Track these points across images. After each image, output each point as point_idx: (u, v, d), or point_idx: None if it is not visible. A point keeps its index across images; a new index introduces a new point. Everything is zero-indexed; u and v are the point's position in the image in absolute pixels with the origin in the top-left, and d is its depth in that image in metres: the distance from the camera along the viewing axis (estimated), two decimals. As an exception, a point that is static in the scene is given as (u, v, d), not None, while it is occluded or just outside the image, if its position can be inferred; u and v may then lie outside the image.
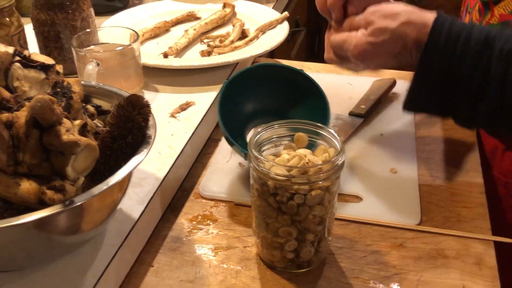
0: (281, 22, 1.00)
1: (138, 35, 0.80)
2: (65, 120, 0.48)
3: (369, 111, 0.87)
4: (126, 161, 0.51)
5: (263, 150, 0.60)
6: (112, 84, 0.79)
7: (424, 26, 0.61)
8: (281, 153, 0.59)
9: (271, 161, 0.55)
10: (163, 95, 0.84)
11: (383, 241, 0.64)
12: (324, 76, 1.00)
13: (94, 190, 0.47)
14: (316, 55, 1.87)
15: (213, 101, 0.82)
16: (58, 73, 0.59)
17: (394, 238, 0.65)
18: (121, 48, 0.77)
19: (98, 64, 0.75)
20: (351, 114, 0.86)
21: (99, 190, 0.47)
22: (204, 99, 0.83)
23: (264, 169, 0.55)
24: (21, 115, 0.48)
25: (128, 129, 0.52)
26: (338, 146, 0.57)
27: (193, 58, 0.90)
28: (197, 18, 1.06)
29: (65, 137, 0.45)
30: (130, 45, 0.79)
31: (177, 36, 1.00)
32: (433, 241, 0.64)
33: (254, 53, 0.88)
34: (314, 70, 1.04)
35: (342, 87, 0.96)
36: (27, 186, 0.47)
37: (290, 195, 0.54)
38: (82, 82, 0.63)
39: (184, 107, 0.80)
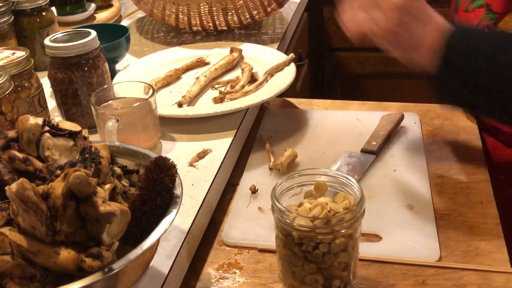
0: (288, 64, 1.03)
1: (153, 89, 0.83)
2: (99, 189, 0.50)
3: (380, 147, 0.89)
4: (156, 222, 0.53)
5: (284, 200, 0.62)
6: (132, 137, 0.83)
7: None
8: (302, 202, 0.61)
9: (294, 212, 0.57)
10: (180, 143, 0.87)
11: (405, 279, 0.66)
12: (333, 113, 1.03)
13: (130, 256, 0.49)
14: (320, 86, 1.90)
15: (229, 146, 0.85)
16: (85, 138, 0.62)
17: (416, 276, 0.67)
18: (139, 104, 0.80)
19: (117, 121, 0.78)
20: (363, 151, 0.89)
21: (135, 255, 0.49)
22: (220, 145, 0.85)
23: (288, 221, 0.57)
24: (56, 186, 0.51)
25: (157, 191, 0.54)
26: (358, 194, 0.59)
27: (207, 106, 0.92)
28: (206, 63, 1.09)
29: (102, 208, 0.47)
30: (147, 99, 0.81)
31: (188, 82, 1.03)
32: (454, 277, 0.66)
33: (265, 97, 0.91)
34: (322, 108, 1.07)
35: (351, 123, 0.99)
36: (66, 255, 0.49)
37: (315, 244, 0.57)
38: (107, 143, 0.66)
39: (201, 155, 0.83)
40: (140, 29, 1.36)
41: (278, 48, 1.22)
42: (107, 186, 0.56)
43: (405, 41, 0.68)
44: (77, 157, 0.59)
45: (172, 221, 0.53)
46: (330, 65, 1.86)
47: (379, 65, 1.77)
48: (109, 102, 0.86)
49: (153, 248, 0.56)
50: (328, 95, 1.92)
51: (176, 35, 1.29)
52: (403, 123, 0.97)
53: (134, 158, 0.65)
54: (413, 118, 0.99)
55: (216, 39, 1.24)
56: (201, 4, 1.14)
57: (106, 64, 0.90)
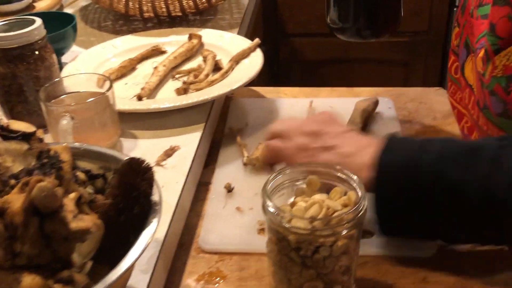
0: (254, 49, 0.96)
1: (111, 81, 0.74)
2: (66, 201, 0.42)
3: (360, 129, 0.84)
4: (135, 235, 0.46)
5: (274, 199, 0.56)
6: (89, 136, 0.74)
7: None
8: (296, 200, 0.54)
9: (290, 212, 0.51)
10: (144, 141, 0.78)
11: (405, 277, 0.61)
12: (302, 101, 0.97)
13: (108, 278, 0.41)
14: (275, 72, 1.85)
15: (199, 141, 0.77)
16: (40, 140, 0.53)
17: (415, 273, 0.62)
18: (95, 98, 0.71)
19: (72, 118, 0.69)
20: (340, 140, 0.83)
21: (114, 277, 0.41)
22: (188, 140, 0.78)
23: (284, 223, 0.50)
24: (13, 199, 0.42)
25: (134, 198, 0.46)
26: (359, 188, 0.53)
27: (169, 98, 0.84)
28: (163, 52, 1.00)
29: (74, 224, 0.39)
30: (104, 93, 0.73)
31: (145, 73, 0.94)
32: (455, 271, 0.61)
33: (233, 86, 0.84)
34: (290, 96, 1.01)
35: (324, 110, 0.93)
36: (29, 282, 0.41)
37: (314, 248, 0.50)
38: (65, 144, 0.57)
39: (169, 153, 0.75)
40: (84, 18, 1.25)
41: (238, 33, 1.14)
42: (72, 195, 0.47)
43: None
44: (33, 163, 0.50)
45: (154, 233, 0.46)
46: (285, 51, 1.81)
47: (335, 50, 1.73)
48: (61, 97, 0.76)
49: (133, 266, 0.48)
50: (284, 82, 1.86)
51: (126, 22, 1.19)
52: (377, 109, 0.92)
53: (97, 160, 0.57)
54: (387, 103, 0.94)
55: (170, 27, 1.15)
56: (154, -12, 1.05)
57: (54, 56, 0.80)
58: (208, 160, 0.82)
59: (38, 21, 0.77)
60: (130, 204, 0.46)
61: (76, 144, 0.59)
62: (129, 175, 0.47)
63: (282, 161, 0.65)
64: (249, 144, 0.84)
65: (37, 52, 0.76)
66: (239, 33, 1.16)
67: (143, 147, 0.77)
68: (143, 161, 0.49)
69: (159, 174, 0.70)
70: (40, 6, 1.21)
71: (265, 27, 1.73)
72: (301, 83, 1.87)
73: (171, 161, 0.74)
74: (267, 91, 1.03)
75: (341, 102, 0.95)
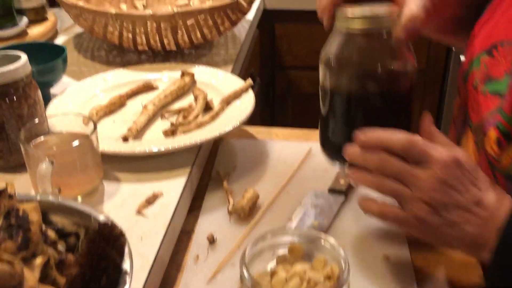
0: (246, 90, 0.94)
1: (95, 124, 0.72)
2: (26, 275, 0.39)
3: (349, 185, 0.81)
4: (101, 307, 0.43)
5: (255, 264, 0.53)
6: (69, 180, 0.71)
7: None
8: (276, 270, 0.52)
9: (268, 286, 0.48)
10: (126, 185, 0.76)
11: None
12: (294, 144, 0.95)
13: None
14: (271, 105, 1.83)
15: (183, 188, 0.75)
16: (10, 196, 0.50)
17: None
18: (78, 142, 0.69)
19: (52, 163, 0.66)
20: (331, 191, 0.81)
21: None
22: (172, 187, 0.75)
23: (262, 296, 0.48)
24: (-30, 270, 0.40)
25: (102, 268, 0.44)
26: (342, 259, 0.51)
27: (156, 140, 0.82)
28: (154, 88, 0.99)
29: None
30: (88, 136, 0.70)
31: (134, 110, 0.92)
32: None
33: (222, 130, 0.82)
34: (282, 137, 0.98)
35: (315, 156, 0.91)
36: None
37: (293, 323, 0.48)
38: (38, 197, 0.55)
39: (151, 200, 0.72)
40: (78, 46, 1.23)
41: (232, 70, 1.13)
42: (38, 260, 0.45)
43: (444, 236, 0.56)
44: (0, 223, 0.47)
45: (122, 308, 0.43)
46: (282, 83, 1.79)
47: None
48: (42, 138, 0.74)
49: None
50: (279, 114, 1.85)
51: (119, 54, 1.17)
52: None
53: (71, 215, 0.54)
54: (380, 151, 0.92)
55: (164, 60, 1.14)
56: (148, 23, 1.03)
57: (39, 93, 0.78)
58: (192, 205, 0.79)
59: (24, 58, 0.75)
60: (98, 275, 0.43)
61: (50, 198, 0.56)
62: (98, 242, 0.44)
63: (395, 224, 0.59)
64: (235, 190, 0.82)
65: (21, 90, 0.74)
66: (234, 69, 1.14)
67: (125, 192, 0.74)
68: (115, 227, 0.46)
69: (139, 223, 0.69)
70: (34, 32, 1.20)
71: (262, 59, 1.72)
72: (296, 116, 1.86)
73: (152, 209, 0.71)
74: (258, 131, 1.00)
75: (333, 148, 0.92)
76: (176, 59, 1.15)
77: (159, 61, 1.13)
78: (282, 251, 0.54)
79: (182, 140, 0.79)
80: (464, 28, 0.77)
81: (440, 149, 0.55)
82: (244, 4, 1.07)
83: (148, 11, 1.02)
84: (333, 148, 0.67)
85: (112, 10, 1.01)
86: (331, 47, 0.63)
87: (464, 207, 0.55)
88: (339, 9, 0.61)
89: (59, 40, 1.26)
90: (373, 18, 0.59)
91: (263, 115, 1.82)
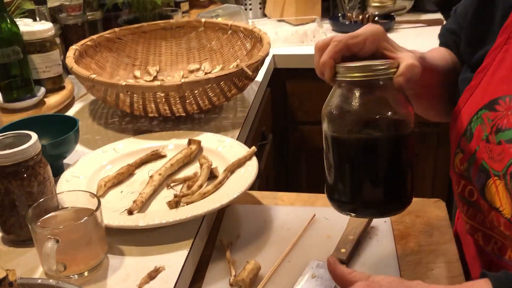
0: (249, 158, 0.96)
1: (99, 201, 0.75)
2: None
3: (350, 255, 0.82)
4: None
5: None
6: (74, 256, 0.74)
7: None
8: None
9: None
10: (130, 259, 0.78)
11: None
12: (298, 210, 0.96)
13: None
14: (285, 161, 1.85)
15: (184, 261, 0.77)
16: (11, 284, 0.53)
17: None
18: (83, 220, 0.72)
19: (57, 241, 0.69)
20: (332, 260, 0.82)
21: None
22: (174, 259, 0.77)
23: None
24: None
25: None
26: None
27: (160, 211, 0.85)
28: (162, 156, 1.02)
29: None
30: (92, 213, 0.73)
31: (141, 180, 0.95)
32: None
33: (224, 201, 0.84)
34: (287, 203, 1.00)
35: (319, 223, 0.92)
36: None
37: None
38: (39, 281, 0.57)
39: (153, 275, 0.74)
40: (93, 112, 1.28)
41: (240, 133, 1.16)
42: None
43: None
44: (-2, 313, 0.50)
45: None
46: (295, 139, 1.82)
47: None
48: (51, 214, 0.77)
49: None
50: (293, 169, 1.86)
51: (132, 120, 1.22)
52: (372, 223, 0.90)
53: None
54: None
55: (174, 125, 1.18)
56: (157, 92, 1.08)
57: (49, 169, 0.82)
58: (195, 276, 0.81)
59: (34, 137, 0.79)
60: None
61: (51, 281, 0.59)
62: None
63: None
64: (238, 259, 0.83)
65: (31, 169, 0.78)
66: (242, 132, 1.18)
67: (129, 266, 0.76)
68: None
69: (140, 300, 0.70)
70: (51, 101, 1.25)
71: (274, 116, 1.75)
72: (310, 169, 1.88)
73: (154, 284, 0.73)
74: (264, 196, 1.02)
75: (336, 214, 0.93)
76: (186, 123, 1.19)
77: (169, 126, 1.17)
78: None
79: (185, 212, 0.82)
80: (436, 98, 0.89)
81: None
82: (249, 72, 1.11)
83: (157, 83, 1.06)
84: (339, 198, 0.70)
85: (123, 82, 1.06)
86: (333, 100, 0.67)
87: None
88: (340, 64, 0.67)
89: (76, 107, 1.32)
90: (373, 67, 0.64)
91: (278, 169, 1.84)
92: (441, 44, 0.96)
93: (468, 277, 0.82)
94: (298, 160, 1.86)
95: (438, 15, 1.94)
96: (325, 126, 0.68)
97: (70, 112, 1.30)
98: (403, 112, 0.66)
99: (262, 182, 1.55)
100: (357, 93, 0.65)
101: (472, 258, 0.86)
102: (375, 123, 0.65)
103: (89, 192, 0.78)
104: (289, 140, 1.81)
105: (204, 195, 0.87)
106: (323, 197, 1.00)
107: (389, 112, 0.66)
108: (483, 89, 0.77)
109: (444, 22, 1.86)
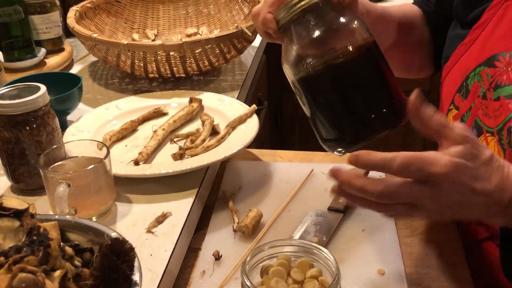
0: (250, 115, 0.99)
1: (108, 149, 0.77)
2: (47, 285, 0.44)
3: (347, 204, 0.86)
4: (113, 315, 0.48)
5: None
6: (84, 202, 0.77)
7: None
8: (270, 284, 0.56)
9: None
10: (137, 206, 0.81)
11: None
12: (297, 165, 1.00)
13: None
14: (279, 128, 1.88)
15: (190, 208, 0.80)
16: (32, 216, 0.56)
17: None
18: (92, 166, 0.75)
19: (69, 185, 0.72)
20: (330, 209, 0.86)
21: None
22: (180, 207, 0.80)
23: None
24: (0, 279, 0.45)
25: (113, 280, 0.49)
26: (334, 270, 0.55)
27: (165, 163, 0.87)
28: (164, 114, 1.04)
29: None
30: (101, 160, 0.76)
31: (145, 135, 0.98)
32: None
33: (227, 153, 0.87)
34: (286, 159, 1.03)
35: (317, 177, 0.95)
36: None
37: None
38: (56, 217, 0.60)
39: (160, 219, 0.77)
40: (93, 74, 1.30)
41: (238, 96, 1.18)
42: (57, 273, 0.50)
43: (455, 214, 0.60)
44: (23, 240, 0.53)
45: (131, 315, 0.48)
46: (289, 106, 1.85)
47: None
48: (60, 162, 0.80)
49: None
50: (287, 135, 1.90)
51: (132, 81, 1.24)
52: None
53: (86, 233, 0.60)
54: (379, 171, 0.96)
55: (174, 86, 1.20)
56: (158, 52, 1.10)
57: (57, 120, 0.84)
58: (199, 224, 0.84)
59: (43, 89, 0.81)
60: (110, 285, 0.48)
61: (68, 217, 0.62)
62: (110, 256, 0.49)
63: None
64: (240, 209, 0.87)
65: (40, 119, 0.80)
66: (240, 95, 1.20)
67: (136, 213, 0.80)
68: (125, 243, 0.51)
69: (149, 241, 0.74)
70: (51, 62, 1.27)
71: (269, 84, 1.78)
72: (302, 139, 1.91)
73: (161, 228, 0.76)
74: (263, 154, 1.06)
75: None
76: (185, 85, 1.21)
77: (169, 87, 1.19)
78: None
79: (190, 163, 0.85)
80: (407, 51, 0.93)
81: (438, 161, 0.55)
82: (249, 33, 1.13)
83: (158, 42, 1.08)
84: (328, 138, 0.64)
85: (124, 41, 1.08)
86: (288, 49, 0.65)
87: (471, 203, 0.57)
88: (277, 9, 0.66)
89: (75, 69, 1.33)
90: None
91: (272, 136, 1.87)
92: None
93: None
94: (292, 128, 1.89)
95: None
96: (290, 76, 0.65)
97: (70, 74, 1.31)
98: (353, 26, 0.63)
99: (256, 145, 1.59)
100: (305, 27, 0.62)
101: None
102: (333, 47, 0.61)
103: (97, 141, 0.81)
104: (283, 109, 1.84)
105: (207, 149, 0.90)
106: (320, 154, 1.04)
107: (341, 30, 0.62)
108: (480, 45, 0.78)
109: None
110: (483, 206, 0.58)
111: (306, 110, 0.66)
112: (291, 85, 0.66)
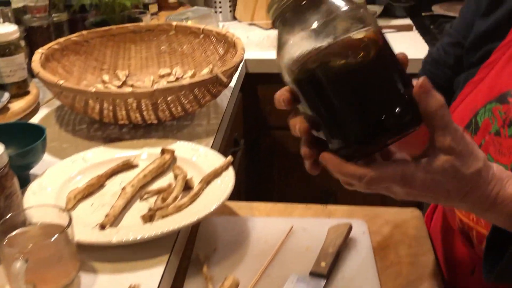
0: (226, 168, 0.94)
1: (70, 218, 0.71)
2: None
3: (330, 268, 0.81)
4: None
5: None
6: (44, 276, 0.70)
7: None
8: None
9: None
10: (103, 277, 0.74)
11: None
12: (275, 220, 0.94)
13: None
14: (256, 166, 1.83)
15: (160, 279, 0.74)
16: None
17: None
18: (53, 238, 0.68)
19: (26, 261, 0.65)
20: (312, 274, 0.80)
21: None
22: (149, 277, 0.74)
23: None
24: None
25: None
26: None
27: (134, 226, 0.81)
28: (134, 166, 0.98)
29: None
30: (63, 230, 0.69)
31: (113, 191, 0.91)
32: None
33: (201, 215, 0.81)
34: (264, 213, 0.98)
35: (297, 234, 0.90)
36: None
37: None
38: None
39: (128, 293, 0.71)
40: (60, 118, 1.23)
41: (214, 141, 1.13)
42: None
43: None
44: None
45: None
46: (266, 144, 1.80)
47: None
48: (19, 231, 0.73)
49: None
50: (266, 175, 1.85)
51: (101, 127, 1.18)
52: (351, 233, 0.89)
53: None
54: (361, 227, 0.92)
55: (145, 132, 1.14)
56: (128, 100, 1.04)
57: (16, 182, 0.78)
58: (171, 293, 0.78)
59: (0, 149, 0.75)
60: None
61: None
62: None
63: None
64: (216, 274, 0.81)
65: (-4, 182, 0.74)
66: (215, 140, 1.15)
67: (102, 285, 0.73)
68: None
69: (115, 321, 0.67)
70: (15, 108, 1.20)
71: (246, 121, 1.73)
72: (281, 175, 1.86)
73: (129, 304, 0.70)
74: (240, 207, 1.00)
75: (314, 225, 0.92)
76: (157, 131, 1.15)
77: (141, 134, 1.14)
78: None
79: (160, 227, 0.79)
80: None
81: (414, 180, 0.53)
82: (224, 79, 1.08)
83: (128, 89, 1.03)
84: (343, 148, 0.54)
85: (92, 89, 1.02)
86: (284, 43, 0.55)
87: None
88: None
89: (41, 114, 1.26)
90: None
91: (250, 175, 1.82)
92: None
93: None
94: (270, 166, 1.84)
95: (408, 21, 1.95)
96: (288, 78, 0.56)
97: (36, 118, 1.25)
98: (359, 15, 0.54)
99: (234, 189, 1.53)
100: (301, 16, 0.54)
101: (456, 257, 0.85)
102: (334, 41, 0.52)
103: (59, 207, 0.75)
104: (261, 145, 1.80)
105: (179, 208, 0.84)
106: (300, 207, 1.00)
107: (345, 20, 0.53)
108: (490, 83, 0.77)
109: (414, 28, 1.87)
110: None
111: (321, 116, 0.55)
112: (298, 89, 0.55)
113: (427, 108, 0.52)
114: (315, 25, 0.53)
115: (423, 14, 2.01)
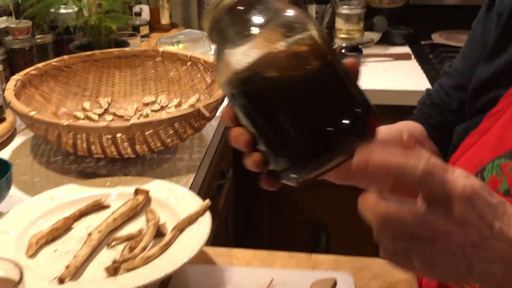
0: (202, 213, 0.87)
1: (22, 276, 0.64)
2: None
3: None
4: None
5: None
6: None
7: None
8: None
9: None
10: None
11: None
12: (256, 271, 0.87)
13: None
14: (245, 197, 1.77)
15: None
16: None
17: None
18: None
19: (-35, 327, 0.58)
20: (290, 338, 0.73)
21: None
22: None
23: None
24: None
25: None
26: None
27: (96, 280, 0.74)
28: (105, 207, 0.92)
29: None
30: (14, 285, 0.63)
31: (79, 235, 0.85)
32: None
33: (169, 270, 0.74)
34: (243, 262, 0.91)
35: (278, 287, 0.83)
36: None
37: None
38: None
39: None
40: (35, 148, 1.17)
41: (195, 177, 1.07)
42: None
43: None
44: None
45: None
46: (256, 174, 1.73)
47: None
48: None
49: None
50: (255, 205, 1.78)
51: (76, 159, 1.11)
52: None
53: None
54: (347, 282, 0.84)
55: (123, 166, 1.08)
56: (103, 134, 0.98)
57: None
58: None
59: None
60: None
61: None
62: None
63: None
64: (185, 335, 0.74)
65: None
66: (198, 175, 1.09)
67: None
68: None
69: None
70: (-12, 136, 1.14)
71: (235, 150, 1.66)
72: (271, 209, 1.80)
73: None
74: (217, 254, 0.93)
75: (296, 277, 0.85)
76: (135, 165, 1.09)
77: (118, 168, 1.08)
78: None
79: (124, 282, 0.72)
80: None
81: (458, 178, 0.44)
82: (207, 114, 1.02)
83: (103, 123, 0.96)
84: (290, 168, 0.49)
85: (64, 122, 0.96)
86: (219, 61, 0.50)
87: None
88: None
89: (17, 141, 1.20)
90: None
91: (239, 206, 1.75)
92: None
93: None
94: (259, 197, 1.78)
95: (406, 49, 1.90)
96: (235, 90, 0.49)
97: (11, 147, 1.18)
98: (299, 21, 0.49)
99: (221, 222, 1.46)
100: (238, 23, 0.50)
101: None
102: (272, 49, 0.47)
103: (11, 261, 0.68)
104: (250, 175, 1.73)
105: (147, 260, 0.77)
106: (283, 256, 0.93)
107: (286, 26, 0.48)
108: (498, 135, 0.70)
109: (412, 57, 1.82)
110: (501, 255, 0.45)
111: (259, 135, 0.50)
112: (235, 103, 0.51)
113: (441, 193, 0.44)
114: (245, 37, 0.49)
115: (422, 42, 1.95)
